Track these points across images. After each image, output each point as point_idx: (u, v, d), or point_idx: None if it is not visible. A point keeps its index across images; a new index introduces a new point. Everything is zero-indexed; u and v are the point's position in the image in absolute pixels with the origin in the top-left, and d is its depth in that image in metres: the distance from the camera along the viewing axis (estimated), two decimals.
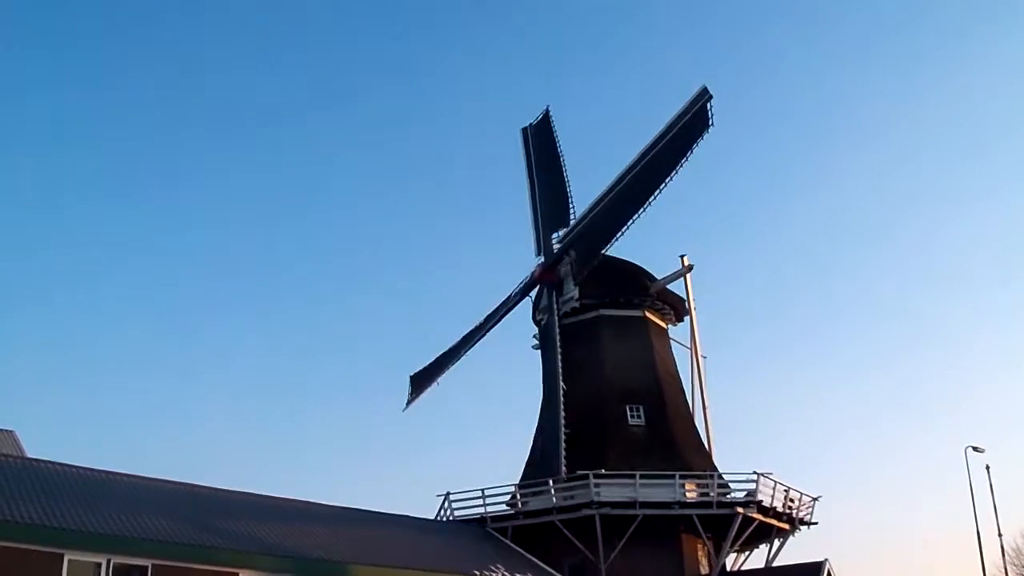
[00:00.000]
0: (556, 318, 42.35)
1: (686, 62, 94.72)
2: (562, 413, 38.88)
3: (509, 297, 44.95)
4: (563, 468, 36.82)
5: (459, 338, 45.51)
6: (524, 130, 48.96)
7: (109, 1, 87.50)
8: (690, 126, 40.19)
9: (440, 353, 46.02)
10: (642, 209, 41.12)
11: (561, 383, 39.83)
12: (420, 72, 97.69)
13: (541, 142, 47.67)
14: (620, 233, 41.72)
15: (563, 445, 37.60)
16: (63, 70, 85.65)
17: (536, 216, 45.89)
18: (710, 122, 39.58)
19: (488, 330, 44.88)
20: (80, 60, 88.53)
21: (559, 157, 46.17)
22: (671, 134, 40.75)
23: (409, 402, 46.75)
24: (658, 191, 40.81)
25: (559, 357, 40.91)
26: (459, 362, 44.92)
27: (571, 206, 44.24)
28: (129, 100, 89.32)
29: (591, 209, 43.00)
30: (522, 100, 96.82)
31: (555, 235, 44.46)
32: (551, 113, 48.08)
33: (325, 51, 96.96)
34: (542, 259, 44.50)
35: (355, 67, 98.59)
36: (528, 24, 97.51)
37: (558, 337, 41.75)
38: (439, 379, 45.21)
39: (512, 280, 45.50)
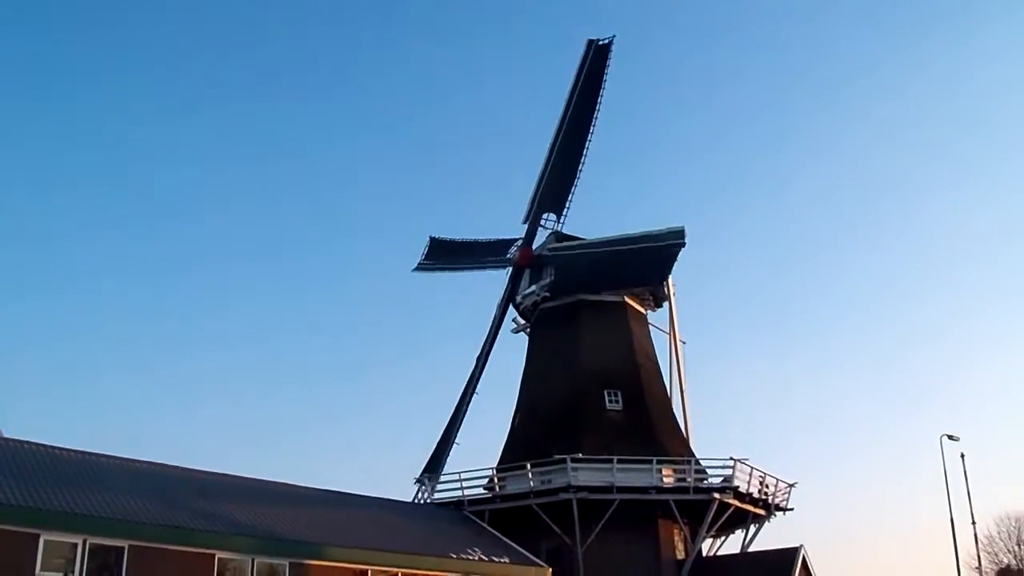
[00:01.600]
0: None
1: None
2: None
3: (499, 304, 44.91)
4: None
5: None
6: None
7: None
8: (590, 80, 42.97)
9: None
10: (580, 164, 43.35)
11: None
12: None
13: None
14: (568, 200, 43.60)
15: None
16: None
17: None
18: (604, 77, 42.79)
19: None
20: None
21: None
22: (578, 90, 43.29)
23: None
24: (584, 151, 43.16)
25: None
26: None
27: (572, 195, 44.31)
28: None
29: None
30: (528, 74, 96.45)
31: (546, 215, 44.68)
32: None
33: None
34: (526, 228, 44.58)
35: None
36: None
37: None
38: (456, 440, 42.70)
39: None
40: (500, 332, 43.85)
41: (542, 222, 44.47)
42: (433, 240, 47.72)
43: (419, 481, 39.71)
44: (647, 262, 41.09)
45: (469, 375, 42.57)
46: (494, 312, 44.23)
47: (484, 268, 45.82)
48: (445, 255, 47.22)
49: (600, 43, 43.74)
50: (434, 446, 41.64)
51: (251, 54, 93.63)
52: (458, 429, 41.73)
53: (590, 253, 42.68)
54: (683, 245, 39.99)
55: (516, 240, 44.74)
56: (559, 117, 43.92)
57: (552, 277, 42.59)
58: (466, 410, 42.08)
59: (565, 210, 44.15)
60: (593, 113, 43.42)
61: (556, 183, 44.01)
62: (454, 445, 41.60)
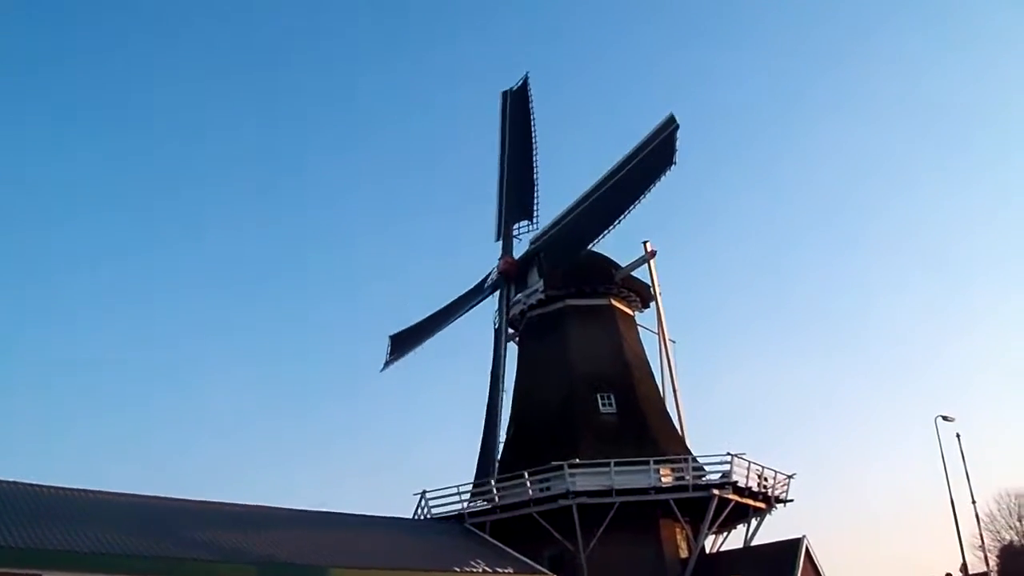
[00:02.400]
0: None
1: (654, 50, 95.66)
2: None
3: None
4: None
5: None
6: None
7: None
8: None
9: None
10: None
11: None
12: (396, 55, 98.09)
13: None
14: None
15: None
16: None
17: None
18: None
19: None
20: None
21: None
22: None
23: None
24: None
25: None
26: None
27: (536, 198, 44.56)
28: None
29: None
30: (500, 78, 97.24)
31: (518, 225, 44.70)
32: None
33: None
34: (500, 243, 44.88)
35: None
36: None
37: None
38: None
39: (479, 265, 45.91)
40: (483, 346, 44.21)
41: (516, 233, 44.82)
42: (393, 338, 48.03)
43: (420, 495, 39.42)
44: (650, 166, 39.78)
45: (491, 377, 42.33)
46: (495, 323, 44.39)
47: (469, 310, 45.58)
48: (413, 339, 46.83)
49: (513, 89, 46.83)
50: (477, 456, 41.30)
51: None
52: (499, 427, 41.42)
53: (587, 206, 42.03)
54: (677, 126, 39.19)
55: (490, 272, 44.90)
56: (498, 150, 45.35)
57: (543, 273, 42.54)
58: (501, 408, 41.82)
59: (535, 212, 44.64)
60: (531, 134, 44.47)
61: (517, 195, 44.59)
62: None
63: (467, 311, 45.28)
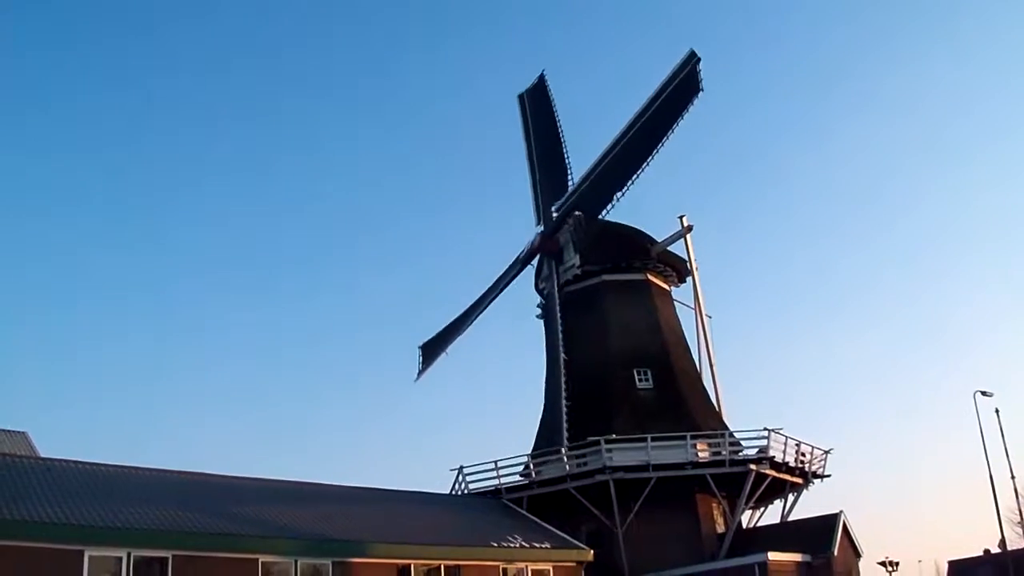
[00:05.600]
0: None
1: (680, 23, 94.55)
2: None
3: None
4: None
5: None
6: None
7: None
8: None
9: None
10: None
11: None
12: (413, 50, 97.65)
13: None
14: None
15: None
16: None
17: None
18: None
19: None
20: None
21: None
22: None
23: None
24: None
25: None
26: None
27: (569, 174, 44.59)
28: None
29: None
30: (517, 68, 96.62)
31: (555, 205, 44.48)
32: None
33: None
34: (542, 228, 44.53)
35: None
36: None
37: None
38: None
39: (514, 252, 45.63)
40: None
41: (555, 211, 44.55)
42: (424, 347, 47.71)
43: (457, 471, 39.63)
44: (676, 99, 40.49)
45: (548, 351, 42.88)
46: (542, 297, 45.03)
47: (507, 287, 45.69)
48: (444, 343, 46.47)
49: (529, 90, 46.99)
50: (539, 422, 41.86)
51: None
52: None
53: (613, 160, 41.91)
54: (699, 59, 40.03)
55: (521, 251, 45.00)
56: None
57: (578, 248, 42.51)
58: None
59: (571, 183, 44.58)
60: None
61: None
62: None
63: (498, 294, 45.46)
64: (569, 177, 44.46)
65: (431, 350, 46.78)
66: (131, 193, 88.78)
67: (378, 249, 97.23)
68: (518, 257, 45.16)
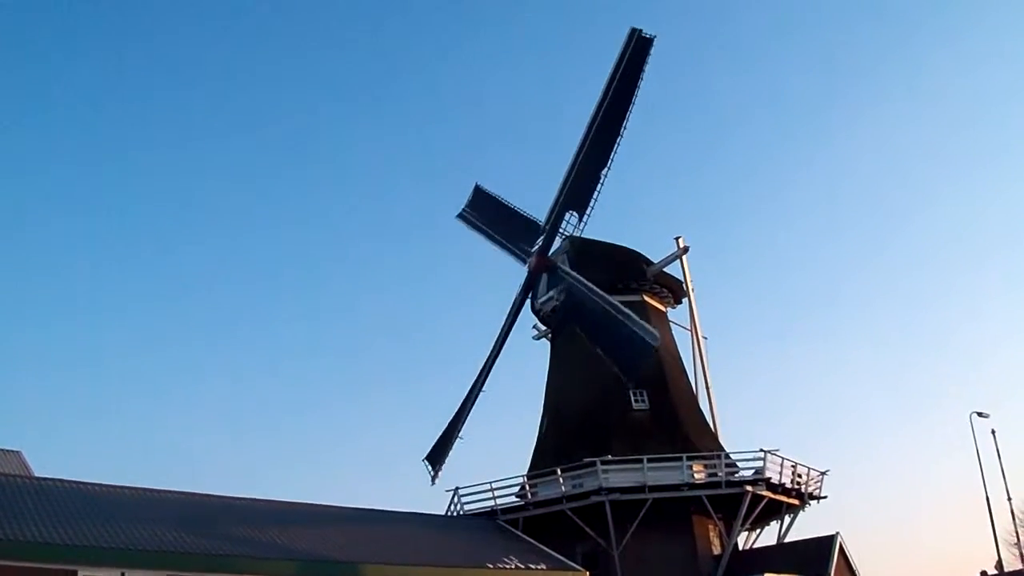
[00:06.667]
0: (517, 311, 43.69)
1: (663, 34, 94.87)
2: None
3: (513, 305, 44.60)
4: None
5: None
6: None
7: None
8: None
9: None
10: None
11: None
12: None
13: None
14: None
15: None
16: None
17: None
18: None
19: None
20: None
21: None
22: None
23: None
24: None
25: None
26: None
27: (597, 192, 42.66)
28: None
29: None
30: None
31: (569, 214, 43.15)
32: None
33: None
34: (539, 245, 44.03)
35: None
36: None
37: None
38: (460, 435, 42.77)
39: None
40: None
41: (565, 219, 43.23)
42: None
43: (453, 492, 39.42)
44: (630, 69, 41.10)
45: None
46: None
47: (509, 251, 45.33)
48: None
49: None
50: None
51: None
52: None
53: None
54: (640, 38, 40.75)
55: (542, 229, 43.95)
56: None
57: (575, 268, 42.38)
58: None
59: (588, 211, 42.46)
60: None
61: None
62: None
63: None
64: (597, 192, 42.63)
65: (438, 454, 43.39)
66: (133, 202, 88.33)
67: (377, 269, 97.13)
68: (519, 289, 44.62)
